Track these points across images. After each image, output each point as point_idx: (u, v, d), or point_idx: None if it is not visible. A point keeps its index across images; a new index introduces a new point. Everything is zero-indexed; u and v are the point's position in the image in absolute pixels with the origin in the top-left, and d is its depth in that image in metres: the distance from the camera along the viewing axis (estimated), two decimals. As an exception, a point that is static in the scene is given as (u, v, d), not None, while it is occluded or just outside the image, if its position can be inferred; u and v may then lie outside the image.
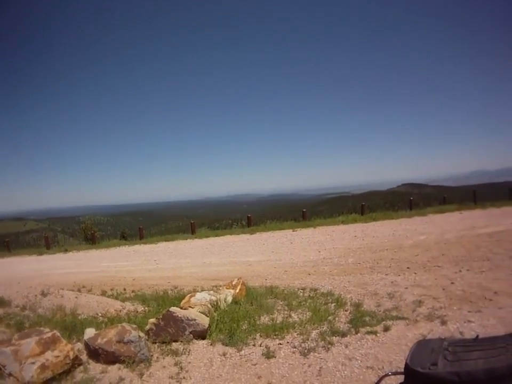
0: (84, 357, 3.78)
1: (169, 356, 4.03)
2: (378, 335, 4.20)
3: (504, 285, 5.88)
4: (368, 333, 4.24)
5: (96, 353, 3.73)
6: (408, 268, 7.37)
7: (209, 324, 4.53)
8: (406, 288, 6.05)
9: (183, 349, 4.19)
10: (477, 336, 1.15)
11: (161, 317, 4.43)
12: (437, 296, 5.56)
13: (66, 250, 14.89)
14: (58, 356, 3.37)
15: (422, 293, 5.76)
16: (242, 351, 4.03)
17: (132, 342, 3.72)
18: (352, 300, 5.54)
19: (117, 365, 3.72)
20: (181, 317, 4.33)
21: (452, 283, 6.10)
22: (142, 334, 4.06)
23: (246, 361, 3.76)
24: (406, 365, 1.08)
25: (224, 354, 4.00)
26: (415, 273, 6.91)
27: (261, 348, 4.09)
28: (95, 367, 3.75)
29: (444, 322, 4.47)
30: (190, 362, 3.83)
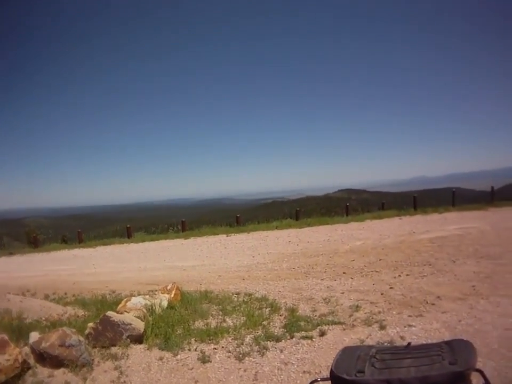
0: (32, 360, 5.13)
1: (109, 360, 5.45)
2: (314, 340, 5.72)
3: (448, 289, 7.65)
4: (304, 337, 5.79)
5: (42, 357, 5.16)
6: (344, 273, 9.72)
7: (144, 329, 6.10)
8: (343, 293, 8.02)
9: (122, 354, 5.60)
10: (409, 343, 1.77)
11: (98, 321, 5.97)
12: (375, 301, 7.29)
13: (11, 254, 20.20)
14: (8, 360, 4.71)
15: (359, 298, 7.55)
16: (179, 356, 5.50)
17: (73, 346, 5.20)
18: (287, 304, 7.44)
19: (62, 369, 5.10)
20: (117, 321, 5.91)
21: (391, 288, 8.05)
22: (81, 338, 5.49)
23: (182, 365, 5.22)
24: (331, 371, 1.69)
25: (161, 359, 5.45)
26: (351, 278, 9.16)
27: (196, 352, 5.56)
28: (42, 371, 5.08)
29: (382, 327, 5.94)
30: (129, 367, 5.27)
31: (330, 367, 1.82)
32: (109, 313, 6.10)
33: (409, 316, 6.50)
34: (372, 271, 9.80)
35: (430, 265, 9.91)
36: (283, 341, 5.81)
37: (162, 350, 5.77)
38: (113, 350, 5.75)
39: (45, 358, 5.22)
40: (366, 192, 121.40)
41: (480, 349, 5.01)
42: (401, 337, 5.65)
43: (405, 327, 6.05)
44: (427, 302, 7.14)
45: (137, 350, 5.83)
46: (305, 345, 5.66)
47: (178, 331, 6.34)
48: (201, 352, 5.60)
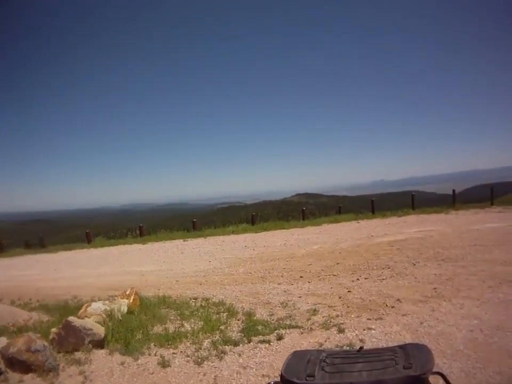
0: (2, 365, 5.23)
1: (73, 365, 5.59)
2: (271, 343, 5.89)
3: (408, 292, 7.85)
4: (261, 341, 5.96)
5: (11, 362, 5.32)
6: (301, 277, 9.97)
7: (105, 334, 6.27)
8: (300, 297, 8.22)
9: (85, 358, 5.75)
10: (361, 347, 1.81)
11: (61, 326, 6.14)
12: (333, 305, 7.48)
13: (-21, 259, 20.49)
14: (-19, 364, 4.87)
15: (317, 302, 7.75)
16: (139, 360, 5.68)
17: (39, 351, 5.36)
18: (244, 309, 7.65)
19: (30, 374, 5.25)
20: (78, 327, 6.09)
21: (349, 291, 8.25)
22: (46, 344, 5.63)
23: (143, 370, 5.40)
24: (281, 375, 1.73)
25: (122, 364, 5.62)
26: (309, 282, 9.41)
27: (156, 357, 5.73)
28: (13, 376, 5.21)
29: (341, 331, 6.11)
30: (92, 372, 5.42)
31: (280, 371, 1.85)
32: (71, 318, 6.30)
33: (369, 319, 6.68)
34: (329, 275, 10.06)
35: (389, 268, 10.15)
36: (241, 345, 5.99)
37: (123, 355, 5.93)
38: (77, 355, 5.91)
39: (14, 363, 5.39)
40: (324, 196, 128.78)
41: (444, 350, 5.18)
42: (361, 340, 5.78)
43: (364, 330, 6.21)
44: (387, 305, 7.32)
45: (99, 355, 5.99)
46: (263, 349, 5.83)
47: (137, 336, 6.53)
48: (160, 356, 5.76)
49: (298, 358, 1.85)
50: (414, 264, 10.33)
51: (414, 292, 8.03)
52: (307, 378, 1.69)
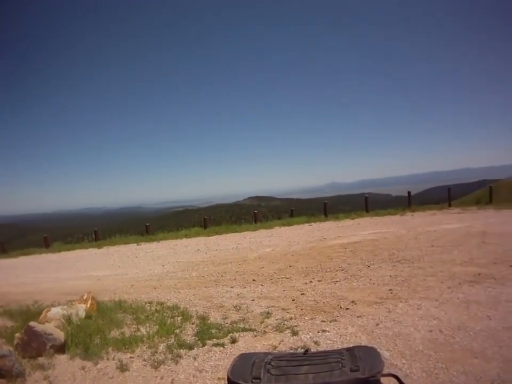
0: None
1: (38, 370, 5.70)
2: (226, 347, 6.05)
3: (363, 293, 8.06)
4: (215, 345, 6.13)
5: None
6: (254, 280, 10.22)
7: (65, 338, 6.40)
8: (253, 300, 8.43)
9: (48, 363, 5.86)
10: (306, 350, 1.86)
11: (23, 331, 6.25)
12: (286, 307, 7.67)
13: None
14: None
15: (270, 305, 7.93)
16: (99, 365, 5.80)
17: (6, 356, 5.43)
18: (198, 312, 7.84)
19: (0, 380, 5.30)
20: (40, 331, 6.19)
21: (302, 294, 8.46)
22: (11, 349, 5.74)
23: (103, 374, 5.54)
24: (228, 377, 1.78)
25: (83, 368, 5.73)
26: (261, 285, 9.63)
27: (115, 361, 5.87)
28: None
29: (295, 333, 6.27)
30: (56, 377, 5.54)
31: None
32: (32, 323, 6.41)
33: (323, 321, 6.86)
34: (282, 278, 10.31)
35: (342, 270, 10.39)
36: (196, 348, 6.17)
37: (84, 359, 6.07)
38: (40, 360, 6.03)
39: (-17, 369, 5.43)
40: (276, 199, 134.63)
41: (403, 351, 5.30)
42: (315, 342, 5.96)
43: (318, 332, 6.38)
44: (341, 307, 7.51)
45: (61, 360, 6.10)
46: (218, 352, 6.00)
47: (96, 341, 6.67)
48: (119, 361, 5.91)
49: (244, 361, 1.89)
50: (368, 266, 10.55)
51: (368, 293, 8.22)
52: (253, 380, 1.72)
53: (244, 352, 2.30)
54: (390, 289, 8.33)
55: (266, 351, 2.30)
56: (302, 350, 1.93)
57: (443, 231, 15.59)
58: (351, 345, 2.11)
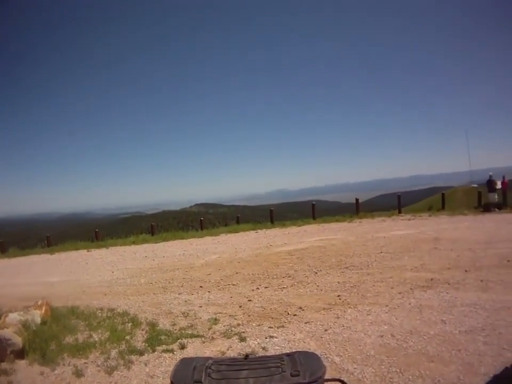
0: None
1: (2, 375, 5.85)
2: (175, 353, 6.22)
3: (310, 300, 8.23)
4: (165, 351, 6.31)
5: None
6: (201, 286, 10.41)
7: (24, 344, 6.54)
8: (201, 306, 8.62)
9: (10, 369, 6.01)
10: (247, 355, 1.90)
11: None
12: (234, 314, 7.85)
13: None
14: None
15: (218, 311, 8.11)
16: (56, 371, 5.94)
17: None
18: (147, 319, 8.01)
19: None
20: (0, 337, 6.31)
21: (249, 300, 8.65)
22: None
23: (61, 380, 5.68)
24: (171, 382, 1.82)
25: (42, 374, 5.88)
26: (208, 292, 9.81)
27: (70, 367, 6.00)
28: None
29: (242, 339, 6.45)
30: (19, 382, 5.72)
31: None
32: None
33: (270, 327, 7.04)
34: (228, 284, 10.50)
35: (289, 277, 10.58)
36: (146, 354, 6.35)
37: (42, 365, 6.21)
38: (3, 365, 6.19)
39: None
40: (223, 206, 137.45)
41: (354, 356, 5.39)
42: (263, 348, 6.13)
43: (266, 338, 6.56)
44: (288, 313, 7.68)
45: (21, 365, 6.27)
46: (168, 358, 6.19)
47: (52, 346, 6.80)
48: (74, 366, 6.07)
49: (185, 365, 1.90)
50: (316, 273, 10.74)
51: (316, 299, 8.40)
52: None
53: (185, 356, 2.35)
54: (339, 295, 8.49)
55: (207, 355, 2.33)
56: (243, 355, 1.99)
57: (392, 237, 15.90)
58: (292, 351, 2.07)
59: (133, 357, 6.23)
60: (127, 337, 7.13)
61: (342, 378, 1.82)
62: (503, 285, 8.32)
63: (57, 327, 7.66)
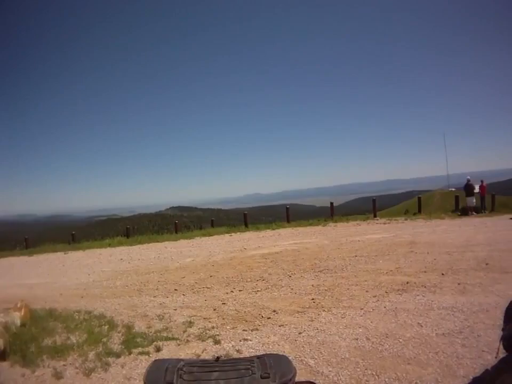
0: None
1: None
2: (151, 355, 6.24)
3: (284, 303, 8.29)
4: (141, 353, 6.34)
5: None
6: (176, 289, 10.49)
7: (5, 346, 6.49)
8: (175, 309, 8.68)
9: None
10: (218, 357, 1.90)
11: None
12: (208, 317, 7.91)
13: None
14: None
15: (192, 314, 8.18)
16: (36, 372, 5.96)
17: None
18: (123, 322, 8.05)
19: None
20: None
21: (224, 303, 8.69)
22: None
23: (41, 382, 5.71)
24: (144, 383, 1.79)
25: (23, 376, 5.89)
26: (183, 295, 9.90)
27: (50, 369, 6.01)
28: None
29: (217, 342, 6.51)
30: (2, 383, 5.74)
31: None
32: None
33: (244, 330, 7.11)
34: (203, 288, 10.59)
35: (263, 280, 10.66)
36: (122, 356, 6.38)
37: (23, 367, 6.23)
38: None
39: None
40: (198, 209, 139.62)
41: (329, 359, 5.44)
42: (238, 351, 6.19)
43: (240, 341, 6.63)
44: (262, 316, 7.75)
45: (3, 366, 6.26)
46: (144, 360, 6.29)
47: (31, 348, 6.83)
48: (53, 368, 6.09)
49: (158, 366, 1.86)
50: (290, 276, 10.82)
51: (290, 303, 8.47)
52: None
53: (157, 358, 2.34)
54: (313, 299, 8.55)
55: (179, 357, 2.38)
56: (214, 357, 1.93)
57: (367, 241, 15.94)
58: (262, 353, 2.12)
59: (110, 359, 6.26)
60: (104, 339, 7.16)
61: (313, 381, 1.83)
62: (482, 287, 8.35)
63: (37, 329, 7.70)
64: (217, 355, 1.95)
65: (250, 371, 1.75)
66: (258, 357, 1.85)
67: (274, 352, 2.56)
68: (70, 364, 6.27)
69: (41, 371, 6.08)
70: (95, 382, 5.65)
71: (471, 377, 1.66)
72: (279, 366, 1.79)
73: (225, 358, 1.90)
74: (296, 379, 1.73)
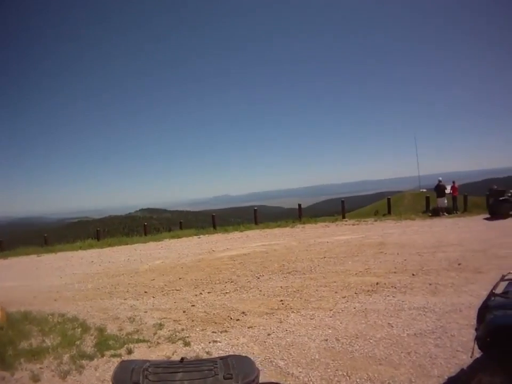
0: None
1: None
2: (123, 357, 6.23)
3: (253, 305, 8.37)
4: (113, 355, 6.39)
5: None
6: (145, 292, 10.55)
7: None
8: (146, 312, 8.75)
9: None
10: (182, 358, 2.05)
11: None
12: (178, 319, 7.98)
13: None
14: None
15: (162, 316, 8.25)
16: (15, 375, 6.00)
17: None
18: (95, 324, 8.10)
19: None
20: None
21: (193, 305, 8.77)
22: None
23: None
24: (112, 383, 1.96)
25: (3, 379, 5.91)
26: (153, 297, 9.97)
27: (27, 372, 6.06)
28: None
29: (187, 344, 6.58)
30: None
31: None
32: None
33: (214, 332, 7.20)
34: (172, 290, 10.68)
35: (232, 282, 10.75)
36: (96, 359, 6.43)
37: (2, 370, 6.25)
38: None
39: None
40: (167, 211, 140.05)
41: (299, 360, 5.49)
42: (207, 353, 6.25)
43: (209, 343, 6.71)
44: (231, 318, 7.83)
45: None
46: (116, 363, 6.02)
47: (9, 351, 6.84)
48: (31, 371, 6.14)
49: (125, 367, 2.02)
50: (258, 278, 10.92)
51: (259, 304, 8.56)
52: None
53: (124, 359, 2.55)
54: (281, 300, 8.63)
55: (145, 358, 2.40)
56: (179, 358, 2.14)
57: (336, 242, 16.01)
58: (226, 355, 2.28)
59: (84, 362, 6.31)
60: (78, 342, 7.21)
61: (278, 382, 2.13)
62: (454, 287, 8.42)
63: (13, 332, 7.74)
64: (182, 356, 2.15)
65: (213, 372, 1.86)
66: (221, 358, 1.99)
67: (237, 354, 2.62)
68: (47, 366, 6.30)
69: (19, 374, 6.11)
70: (72, 385, 5.44)
71: (446, 377, 1.64)
72: (242, 367, 1.90)
73: (190, 359, 2.02)
74: (264, 380, 1.84)
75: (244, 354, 2.23)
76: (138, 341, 7.10)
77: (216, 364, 1.94)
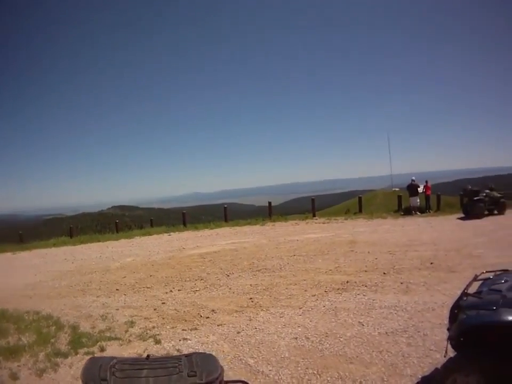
0: None
1: None
2: (95, 355, 6.08)
3: (223, 302, 8.45)
4: (87, 353, 6.44)
5: None
6: (117, 289, 10.66)
7: None
8: (117, 309, 8.83)
9: None
10: (148, 355, 2.11)
11: None
12: (149, 317, 8.07)
13: None
14: None
15: (134, 314, 8.33)
16: None
17: None
18: (69, 322, 8.18)
19: None
20: None
21: (163, 303, 8.87)
22: None
23: (1, 382, 5.75)
24: (81, 379, 2.01)
25: None
26: (124, 294, 10.07)
27: (6, 370, 6.11)
28: None
29: (157, 341, 6.65)
30: None
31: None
32: None
33: (184, 330, 7.29)
34: (143, 287, 10.80)
35: (202, 280, 10.87)
36: (70, 357, 6.49)
37: None
38: None
39: None
40: (139, 208, 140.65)
41: (268, 358, 5.57)
42: (178, 350, 6.30)
43: (180, 340, 6.79)
44: (201, 316, 7.93)
45: None
46: None
47: None
48: (9, 369, 6.19)
49: (93, 364, 2.07)
50: (228, 275, 11.05)
51: (229, 302, 8.66)
52: (101, 382, 1.94)
53: (93, 356, 2.60)
54: (251, 298, 8.74)
55: (113, 355, 2.44)
56: (145, 355, 2.21)
57: (306, 240, 16.16)
58: (190, 352, 2.38)
59: (59, 360, 6.36)
60: (52, 340, 7.27)
61: (244, 380, 2.01)
62: (426, 286, 8.47)
63: None
64: (148, 354, 2.20)
65: (177, 369, 1.92)
66: (186, 356, 2.05)
67: (202, 351, 2.86)
68: (24, 364, 6.36)
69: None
70: (47, 382, 5.79)
71: (420, 376, 1.66)
72: (206, 364, 1.97)
73: (155, 356, 2.07)
74: (232, 378, 2.09)
75: (208, 352, 2.29)
76: (110, 338, 7.15)
77: (180, 361, 2.00)
